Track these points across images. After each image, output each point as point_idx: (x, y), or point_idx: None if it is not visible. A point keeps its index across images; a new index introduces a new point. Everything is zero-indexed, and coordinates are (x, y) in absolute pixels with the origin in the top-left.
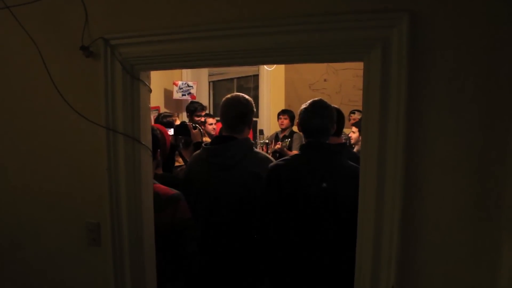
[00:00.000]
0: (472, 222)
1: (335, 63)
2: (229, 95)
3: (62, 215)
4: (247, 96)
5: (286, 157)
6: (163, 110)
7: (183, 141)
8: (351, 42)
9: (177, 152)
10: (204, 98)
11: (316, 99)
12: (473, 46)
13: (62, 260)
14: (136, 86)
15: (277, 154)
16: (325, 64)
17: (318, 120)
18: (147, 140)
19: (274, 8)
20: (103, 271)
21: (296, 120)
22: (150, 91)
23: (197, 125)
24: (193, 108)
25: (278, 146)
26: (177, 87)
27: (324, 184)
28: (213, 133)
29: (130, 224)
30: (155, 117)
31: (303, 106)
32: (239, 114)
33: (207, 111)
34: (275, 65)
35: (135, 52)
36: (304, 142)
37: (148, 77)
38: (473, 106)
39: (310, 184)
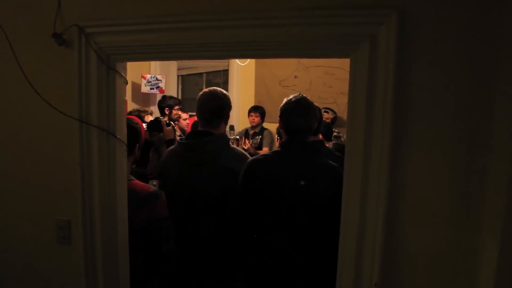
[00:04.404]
0: (455, 221)
1: (306, 60)
2: (206, 89)
3: (31, 211)
4: (224, 91)
5: (265, 153)
6: (130, 103)
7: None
8: (338, 38)
9: (152, 149)
10: (172, 92)
11: (299, 96)
12: (461, 44)
13: (30, 259)
14: (112, 77)
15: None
16: (295, 61)
17: (303, 119)
18: (123, 134)
19: (263, 1)
20: (74, 271)
21: (276, 117)
22: (126, 83)
23: (170, 122)
24: (172, 103)
25: (248, 146)
26: (145, 80)
27: (302, 182)
28: (186, 128)
29: (103, 222)
30: None
31: (286, 102)
32: (216, 109)
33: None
34: (248, 60)
35: (111, 41)
36: (284, 139)
37: (125, 68)
38: (458, 105)
39: (288, 182)
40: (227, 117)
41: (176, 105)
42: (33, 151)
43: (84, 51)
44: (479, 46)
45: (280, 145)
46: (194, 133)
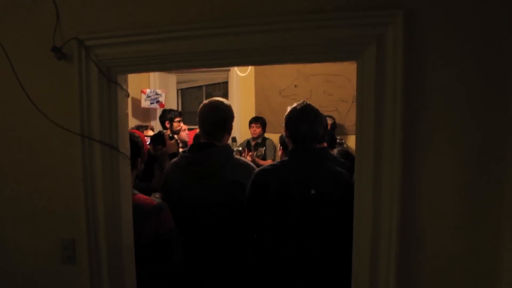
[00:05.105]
0: (472, 224)
1: (305, 69)
2: (206, 101)
3: (33, 231)
4: (226, 102)
5: (273, 163)
6: (131, 119)
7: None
8: (344, 41)
9: (156, 163)
10: (172, 106)
11: (303, 103)
12: (470, 43)
13: (34, 280)
14: (113, 90)
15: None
16: (295, 70)
17: (309, 126)
18: (126, 148)
19: (264, 5)
20: None
21: (283, 125)
22: (128, 95)
23: (174, 136)
24: (172, 116)
25: (249, 157)
26: (145, 95)
27: (313, 191)
28: (186, 139)
29: (109, 239)
30: None
31: (292, 110)
32: (218, 120)
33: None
34: (248, 71)
35: (112, 54)
36: (290, 148)
37: (126, 81)
38: (471, 104)
39: (298, 191)
40: (230, 128)
41: (176, 117)
42: (35, 168)
43: (85, 64)
44: (490, 45)
45: (287, 153)
46: (197, 145)
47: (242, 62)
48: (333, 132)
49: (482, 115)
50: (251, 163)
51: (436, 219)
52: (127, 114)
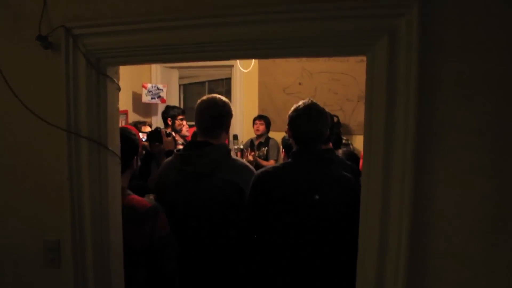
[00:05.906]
0: (487, 233)
1: (310, 66)
2: (204, 97)
3: (15, 232)
4: (224, 98)
5: (275, 165)
6: (131, 114)
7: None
8: (352, 33)
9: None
10: (174, 101)
11: (308, 101)
12: (490, 35)
13: (16, 283)
14: (102, 83)
15: (253, 164)
16: (299, 67)
17: (314, 126)
18: (115, 145)
19: None
20: None
21: (281, 125)
22: (119, 89)
23: (171, 132)
24: (175, 113)
25: (251, 157)
26: (146, 90)
27: (317, 196)
28: (187, 134)
29: (96, 242)
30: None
31: (295, 109)
32: (215, 117)
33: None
34: (251, 67)
35: (101, 44)
36: (294, 149)
37: (117, 73)
38: (490, 102)
39: (301, 196)
40: (227, 125)
41: (179, 115)
42: (17, 166)
43: (72, 54)
44: None
45: (290, 155)
46: (192, 144)
47: (242, 54)
48: (340, 131)
49: (505, 118)
50: (249, 165)
51: (449, 232)
52: (117, 109)
